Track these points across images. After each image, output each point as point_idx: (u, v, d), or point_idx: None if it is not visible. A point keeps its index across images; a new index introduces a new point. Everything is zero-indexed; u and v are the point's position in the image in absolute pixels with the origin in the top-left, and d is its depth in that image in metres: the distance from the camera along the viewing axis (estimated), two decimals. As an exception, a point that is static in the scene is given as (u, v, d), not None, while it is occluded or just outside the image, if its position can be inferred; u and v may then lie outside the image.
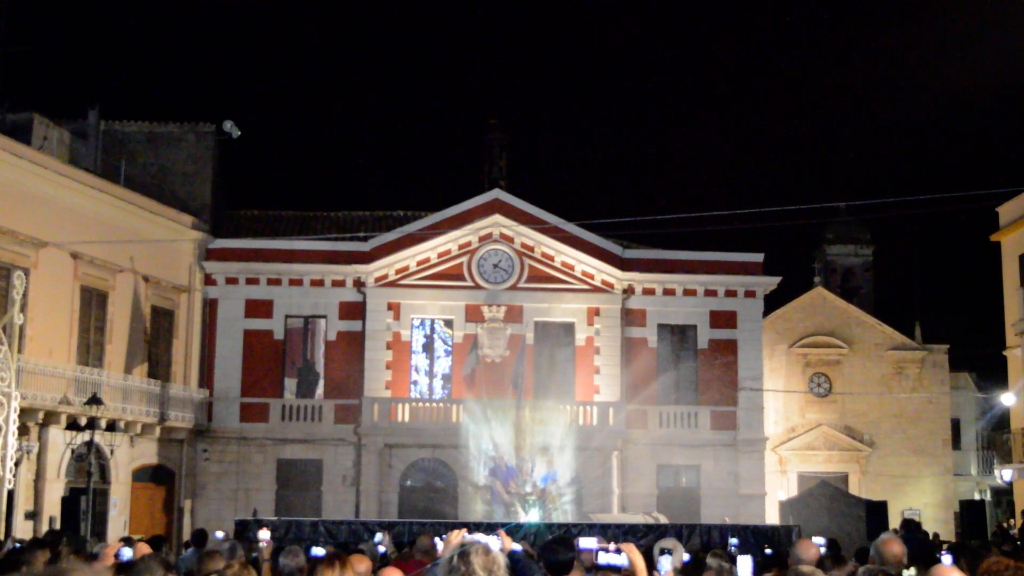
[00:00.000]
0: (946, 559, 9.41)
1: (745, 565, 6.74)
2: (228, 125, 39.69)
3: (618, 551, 6.10)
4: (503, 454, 32.65)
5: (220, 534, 19.00)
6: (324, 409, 37.60)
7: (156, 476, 35.58)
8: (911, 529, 23.73)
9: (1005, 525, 36.05)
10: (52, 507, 28.98)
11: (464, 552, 5.64)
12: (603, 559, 6.05)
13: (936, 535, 34.81)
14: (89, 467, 28.32)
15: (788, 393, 43.33)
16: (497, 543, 6.18)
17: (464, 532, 6.49)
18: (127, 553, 9.32)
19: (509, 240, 38.35)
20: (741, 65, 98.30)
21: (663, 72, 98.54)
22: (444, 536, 8.00)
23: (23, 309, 26.36)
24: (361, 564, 7.31)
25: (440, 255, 38.31)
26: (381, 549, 14.82)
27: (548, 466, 32.54)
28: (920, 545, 20.17)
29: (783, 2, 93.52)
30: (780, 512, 33.39)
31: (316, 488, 37.00)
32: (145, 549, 9.38)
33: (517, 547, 7.03)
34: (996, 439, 44.29)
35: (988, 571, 4.37)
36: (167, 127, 39.50)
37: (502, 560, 5.71)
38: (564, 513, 31.84)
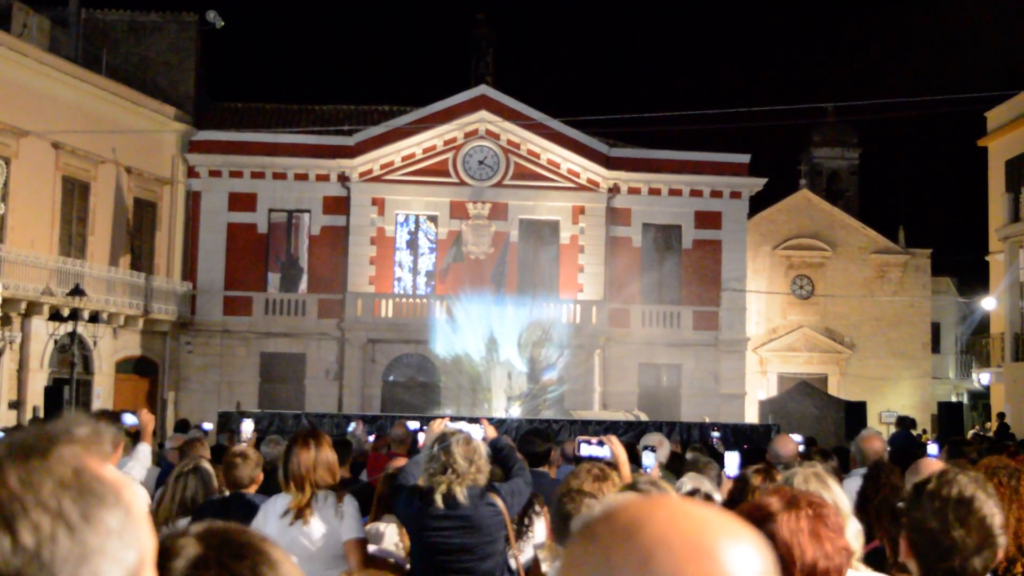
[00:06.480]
0: (932, 448, 9.53)
1: (732, 460, 6.75)
2: (211, 15, 38.97)
3: (600, 443, 6.12)
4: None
5: (207, 426, 19.15)
6: (307, 303, 37.58)
7: (139, 368, 35.67)
8: (905, 425, 24.01)
9: (982, 432, 36.40)
10: (35, 397, 29.04)
11: (445, 442, 5.65)
12: (585, 451, 6.08)
13: (925, 431, 35.48)
14: (72, 358, 28.32)
15: (771, 294, 43.49)
16: (480, 432, 6.19)
17: (446, 421, 6.49)
18: (130, 419, 9.33)
19: (495, 137, 38.05)
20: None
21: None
22: (425, 427, 8.01)
23: (4, 199, 26.21)
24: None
25: (425, 151, 38.02)
26: (371, 437, 14.90)
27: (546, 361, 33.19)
28: (908, 440, 20.49)
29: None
30: (760, 412, 33.71)
31: (299, 382, 37.14)
32: (147, 418, 9.32)
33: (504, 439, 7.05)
34: (975, 343, 44.69)
35: (988, 467, 4.39)
36: (149, 16, 38.81)
37: (483, 449, 5.73)
38: (546, 409, 32.16)
